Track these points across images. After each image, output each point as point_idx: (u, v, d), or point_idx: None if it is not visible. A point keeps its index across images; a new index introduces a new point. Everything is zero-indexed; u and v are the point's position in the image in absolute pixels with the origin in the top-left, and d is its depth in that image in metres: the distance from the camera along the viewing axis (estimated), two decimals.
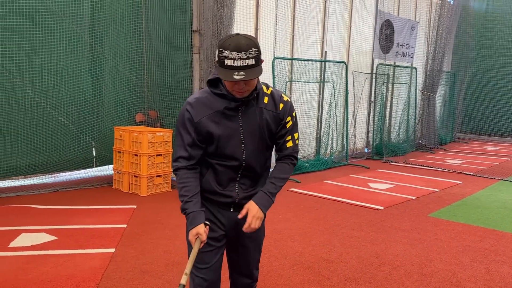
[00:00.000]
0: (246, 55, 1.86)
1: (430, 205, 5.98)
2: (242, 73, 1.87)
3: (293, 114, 2.17)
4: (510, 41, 13.61)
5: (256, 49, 1.89)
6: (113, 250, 3.94)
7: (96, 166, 6.86)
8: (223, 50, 1.88)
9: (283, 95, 2.17)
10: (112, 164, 6.73)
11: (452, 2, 11.21)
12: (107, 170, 7.08)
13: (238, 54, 1.85)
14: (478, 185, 7.30)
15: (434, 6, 11.73)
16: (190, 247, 2.14)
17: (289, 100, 2.17)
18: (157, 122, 7.19)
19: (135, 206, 5.40)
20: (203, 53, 6.62)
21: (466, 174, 8.21)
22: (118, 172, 6.33)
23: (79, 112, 6.39)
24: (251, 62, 1.88)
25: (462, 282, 3.59)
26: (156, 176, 6.18)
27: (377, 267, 3.85)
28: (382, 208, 5.70)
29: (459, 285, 3.53)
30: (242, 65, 1.86)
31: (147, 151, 6.04)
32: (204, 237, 2.06)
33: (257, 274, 2.38)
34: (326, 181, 7.19)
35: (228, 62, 1.87)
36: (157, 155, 6.18)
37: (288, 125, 2.15)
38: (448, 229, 4.96)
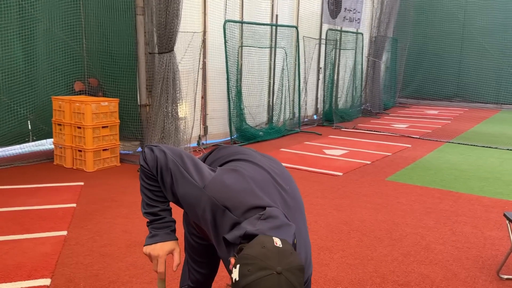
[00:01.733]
0: None
1: (386, 169, 6.05)
2: None
3: None
4: (449, 6, 14.07)
5: None
6: (64, 232, 3.55)
7: (33, 141, 6.22)
8: None
9: None
10: (51, 138, 6.14)
11: None
12: (45, 144, 6.47)
13: None
14: (427, 148, 7.53)
15: None
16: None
17: None
18: (99, 91, 6.62)
19: (82, 183, 4.96)
20: (148, 14, 6.11)
21: (413, 137, 8.46)
22: (59, 146, 5.78)
23: (10, 81, 5.69)
24: None
25: (431, 244, 3.62)
26: (103, 150, 5.71)
27: (347, 234, 3.79)
28: (341, 174, 5.68)
29: (428, 247, 3.56)
30: None
31: (92, 122, 5.54)
32: (179, 259, 1.60)
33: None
34: (282, 149, 7.06)
35: None
36: (102, 127, 5.69)
37: None
38: (407, 192, 5.03)
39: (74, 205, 4.21)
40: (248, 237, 1.31)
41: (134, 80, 6.38)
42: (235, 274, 1.19)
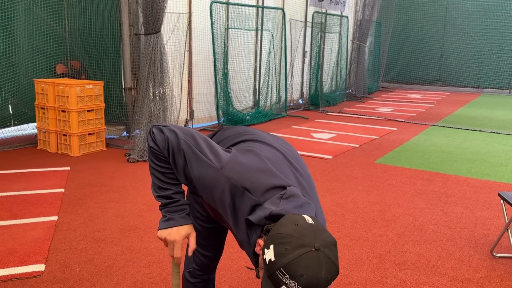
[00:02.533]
0: None
1: (374, 152, 6.09)
2: None
3: None
4: None
5: (334, 280, 1.19)
6: (55, 218, 3.46)
7: (14, 125, 6.03)
8: (287, 277, 1.12)
9: None
10: (33, 122, 5.97)
11: None
12: (27, 129, 6.29)
13: None
14: (412, 131, 7.61)
15: None
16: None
17: None
18: (81, 73, 6.45)
19: (68, 168, 4.84)
20: None
21: (399, 121, 8.53)
22: (43, 131, 5.61)
23: None
24: None
25: (424, 225, 3.66)
26: (88, 134, 5.58)
27: (341, 215, 3.80)
28: (330, 157, 5.69)
29: (422, 228, 3.60)
30: None
31: (76, 106, 5.39)
32: (194, 244, 1.54)
33: None
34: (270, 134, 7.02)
35: None
36: (87, 111, 5.55)
37: None
38: (397, 174, 5.07)
39: (62, 190, 4.11)
40: (274, 217, 1.27)
41: (119, 62, 6.22)
42: (270, 255, 1.15)
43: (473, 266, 2.99)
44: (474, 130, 7.84)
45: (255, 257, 1.36)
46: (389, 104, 10.88)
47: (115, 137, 6.36)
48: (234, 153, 1.46)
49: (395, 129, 7.75)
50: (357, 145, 6.40)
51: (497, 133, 7.61)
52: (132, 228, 3.36)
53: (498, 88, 13.82)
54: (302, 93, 10.50)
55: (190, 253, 1.55)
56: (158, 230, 1.53)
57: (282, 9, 8.61)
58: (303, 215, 1.23)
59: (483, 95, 13.60)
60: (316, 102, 9.81)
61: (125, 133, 6.48)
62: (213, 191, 1.40)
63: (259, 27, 8.24)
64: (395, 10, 13.74)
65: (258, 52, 8.43)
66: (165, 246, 1.55)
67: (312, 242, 1.13)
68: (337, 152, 5.94)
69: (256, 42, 8.40)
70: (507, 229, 2.97)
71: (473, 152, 6.23)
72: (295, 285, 1.11)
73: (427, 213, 3.91)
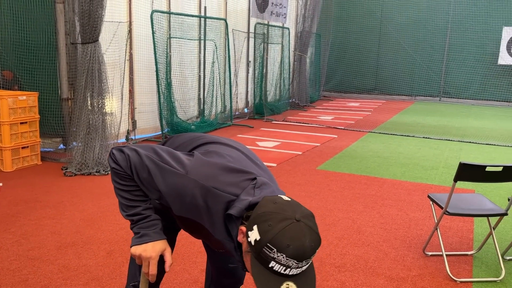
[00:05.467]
0: (306, 262, 1.21)
1: (316, 158, 6.27)
2: (293, 286, 1.23)
3: None
4: (368, 3, 14.81)
5: (317, 249, 1.27)
6: None
7: None
8: (274, 251, 1.18)
9: None
10: None
11: None
12: None
13: (297, 263, 1.19)
14: (351, 138, 7.91)
15: None
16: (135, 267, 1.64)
17: None
18: (14, 84, 6.14)
19: (0, 184, 4.57)
20: (68, 2, 5.77)
21: (339, 128, 8.84)
22: None
23: None
24: (307, 265, 1.24)
25: (362, 227, 3.82)
26: (22, 148, 5.31)
27: None
28: (275, 165, 5.79)
29: (360, 230, 3.75)
30: (296, 273, 1.23)
31: (9, 118, 5.12)
32: (171, 259, 1.52)
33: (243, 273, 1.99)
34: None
35: (277, 268, 1.20)
36: (21, 123, 5.29)
37: None
38: (337, 179, 5.25)
39: None
40: (253, 206, 1.32)
41: (55, 72, 5.99)
42: (255, 235, 1.21)
43: (407, 265, 3.15)
44: (408, 135, 8.28)
45: (238, 251, 1.39)
46: (330, 112, 11.25)
47: (51, 150, 6.10)
48: (197, 155, 1.48)
49: (336, 136, 8.02)
50: (300, 153, 6.56)
51: (428, 138, 8.09)
52: (69, 245, 3.24)
53: (429, 96, 14.70)
54: (247, 102, 10.61)
55: (167, 269, 1.52)
56: (131, 246, 1.49)
57: (225, 20, 8.68)
58: (279, 195, 1.31)
59: (416, 102, 14.40)
60: (261, 111, 9.95)
61: (61, 145, 6.24)
62: (183, 198, 1.41)
63: (202, 37, 8.25)
64: (333, 23, 14.28)
65: (202, 61, 8.44)
66: (138, 263, 1.50)
67: (292, 215, 1.21)
68: (281, 160, 6.05)
69: (200, 52, 8.41)
70: (437, 229, 3.17)
71: (407, 156, 6.58)
72: (283, 257, 1.17)
73: (365, 216, 4.08)
